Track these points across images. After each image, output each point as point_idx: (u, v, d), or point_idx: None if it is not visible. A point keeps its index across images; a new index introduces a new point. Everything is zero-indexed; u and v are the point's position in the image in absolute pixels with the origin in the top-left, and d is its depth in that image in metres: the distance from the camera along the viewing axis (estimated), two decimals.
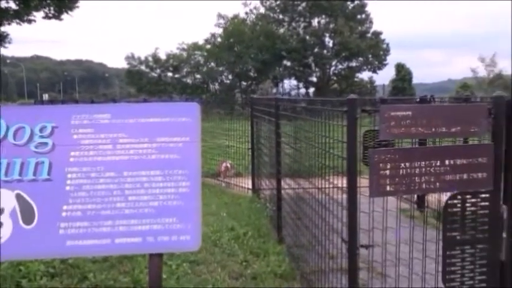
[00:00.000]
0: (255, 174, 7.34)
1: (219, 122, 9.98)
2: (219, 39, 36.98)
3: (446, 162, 2.11)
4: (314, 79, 37.80)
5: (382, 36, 36.64)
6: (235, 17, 37.25)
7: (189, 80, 38.02)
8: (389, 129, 2.05)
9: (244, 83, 37.26)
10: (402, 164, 2.07)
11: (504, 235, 2.16)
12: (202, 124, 2.50)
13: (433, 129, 2.10)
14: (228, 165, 8.61)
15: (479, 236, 2.16)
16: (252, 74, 36.66)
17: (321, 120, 2.92)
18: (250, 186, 7.56)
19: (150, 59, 37.19)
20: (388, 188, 2.06)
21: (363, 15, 36.96)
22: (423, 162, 2.09)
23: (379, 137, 2.08)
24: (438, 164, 2.11)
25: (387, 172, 2.05)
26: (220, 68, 36.69)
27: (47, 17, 22.16)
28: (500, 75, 28.98)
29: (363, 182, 2.24)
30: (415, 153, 2.12)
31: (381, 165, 2.04)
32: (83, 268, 3.64)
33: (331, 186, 2.82)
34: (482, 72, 30.00)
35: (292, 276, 3.82)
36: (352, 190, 2.34)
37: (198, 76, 37.81)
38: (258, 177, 7.04)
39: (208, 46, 37.15)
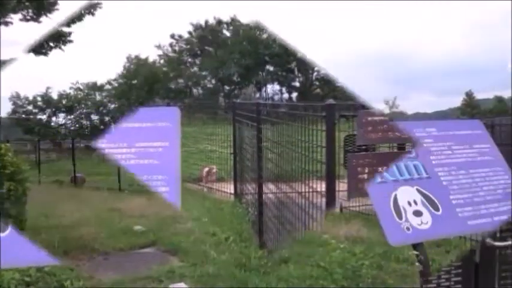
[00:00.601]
0: (238, 179, 7.31)
1: (202, 126, 9.94)
2: None
3: None
4: (297, 84, 37.98)
5: None
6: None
7: (171, 85, 37.73)
8: (367, 134, 2.08)
9: (227, 88, 37.19)
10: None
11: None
12: (185, 129, 2.49)
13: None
14: (212, 169, 8.56)
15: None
16: (235, 78, 36.63)
17: (300, 125, 2.95)
18: (232, 191, 7.53)
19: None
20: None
21: None
22: None
23: (357, 142, 2.11)
24: None
25: (365, 176, 2.08)
26: (203, 73, 36.55)
27: (24, 19, 21.65)
28: None
29: (343, 186, 2.26)
30: (391, 157, 2.15)
31: (358, 169, 2.07)
32: (59, 276, 3.56)
33: (310, 190, 2.84)
34: None
35: None
36: (330, 194, 2.36)
37: (180, 81, 37.58)
38: (241, 182, 7.02)
39: None
